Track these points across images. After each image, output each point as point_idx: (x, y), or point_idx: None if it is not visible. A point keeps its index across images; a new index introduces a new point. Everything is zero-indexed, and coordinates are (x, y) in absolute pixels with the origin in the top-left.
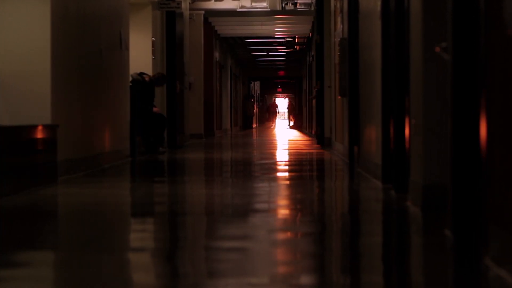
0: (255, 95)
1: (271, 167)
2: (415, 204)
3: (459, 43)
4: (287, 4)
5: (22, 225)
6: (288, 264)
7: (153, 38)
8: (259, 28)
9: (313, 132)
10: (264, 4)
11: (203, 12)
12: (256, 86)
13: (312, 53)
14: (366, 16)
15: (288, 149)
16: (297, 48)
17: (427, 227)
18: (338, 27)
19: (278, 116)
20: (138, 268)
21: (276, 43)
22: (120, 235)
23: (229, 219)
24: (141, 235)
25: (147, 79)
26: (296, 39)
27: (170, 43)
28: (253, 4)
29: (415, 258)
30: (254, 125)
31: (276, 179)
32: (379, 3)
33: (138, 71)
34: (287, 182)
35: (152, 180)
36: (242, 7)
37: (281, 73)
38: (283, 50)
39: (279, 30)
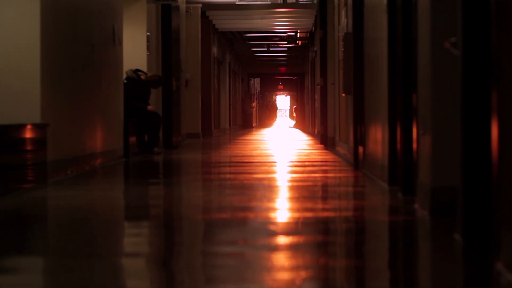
0: (254, 92)
1: (271, 168)
2: (423, 207)
3: (469, 37)
4: None
5: (10, 229)
6: (289, 270)
7: (148, 33)
8: (259, 22)
9: (315, 131)
10: None
11: (200, 5)
12: (256, 83)
13: (315, 49)
14: (372, 9)
15: (289, 149)
16: (299, 43)
17: (436, 231)
18: (342, 21)
19: (278, 114)
20: (132, 275)
21: (277, 38)
22: (113, 240)
23: (227, 223)
24: (135, 239)
25: (143, 77)
26: (298, 34)
27: (165, 38)
28: None
29: (423, 263)
30: (254, 124)
31: (276, 180)
32: None
33: (134, 68)
34: (288, 184)
35: (146, 182)
36: (241, 0)
37: (282, 69)
38: (284, 46)
39: (280, 24)
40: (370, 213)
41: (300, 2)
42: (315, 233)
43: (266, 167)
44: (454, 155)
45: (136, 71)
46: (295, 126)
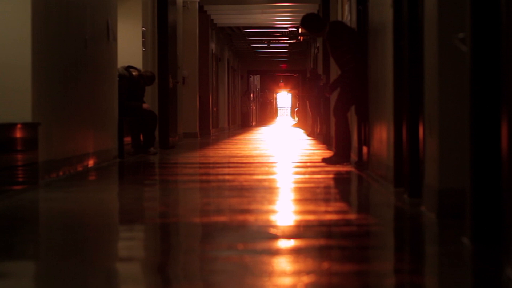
0: (254, 90)
1: (272, 169)
2: (430, 210)
3: (478, 33)
4: None
5: (0, 233)
6: (291, 275)
7: (144, 28)
8: (260, 17)
9: (318, 130)
10: None
11: None
12: (255, 81)
13: (317, 45)
14: (376, 3)
15: (291, 149)
16: (301, 39)
17: (443, 234)
18: (346, 16)
19: (279, 113)
20: (126, 280)
21: (277, 33)
22: (107, 244)
23: (226, 226)
24: (130, 243)
25: (135, 74)
26: (300, 29)
27: (162, 34)
28: None
29: (430, 268)
30: (253, 123)
31: (277, 182)
32: None
33: (125, 65)
34: (289, 185)
35: (141, 183)
36: None
37: (283, 66)
38: (285, 41)
39: (281, 19)
40: (374, 216)
41: None
42: (317, 236)
43: (266, 168)
44: (462, 155)
45: (128, 68)
46: (297, 125)
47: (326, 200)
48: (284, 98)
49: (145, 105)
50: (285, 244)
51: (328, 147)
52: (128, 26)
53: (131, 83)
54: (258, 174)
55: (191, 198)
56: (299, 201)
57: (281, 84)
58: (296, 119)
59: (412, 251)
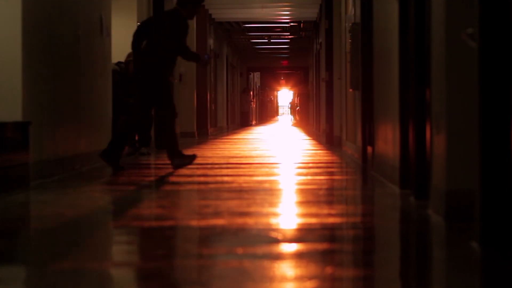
0: (254, 87)
1: (272, 170)
2: (437, 212)
3: (488, 28)
4: None
5: None
6: (293, 281)
7: (139, 23)
8: (260, 12)
9: (320, 129)
10: None
11: None
12: (255, 78)
13: (320, 41)
14: None
15: (292, 149)
16: (303, 35)
17: (451, 238)
18: (350, 11)
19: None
20: (121, 286)
21: (278, 28)
22: (101, 249)
23: (225, 229)
24: (125, 248)
25: (122, 65)
26: (302, 25)
27: None
28: None
29: (437, 273)
30: (253, 122)
31: (278, 183)
32: None
33: (115, 61)
34: (291, 187)
35: (137, 185)
36: None
37: (285, 63)
38: (286, 37)
39: (282, 14)
40: (379, 219)
41: None
42: (320, 240)
43: (266, 169)
44: (471, 155)
45: (119, 63)
46: (297, 124)
47: (329, 202)
48: (285, 96)
49: None
50: (286, 248)
51: (331, 147)
52: (122, 20)
53: (124, 78)
54: (258, 175)
55: (188, 200)
56: (301, 203)
57: (282, 82)
58: (296, 116)
59: (419, 255)
